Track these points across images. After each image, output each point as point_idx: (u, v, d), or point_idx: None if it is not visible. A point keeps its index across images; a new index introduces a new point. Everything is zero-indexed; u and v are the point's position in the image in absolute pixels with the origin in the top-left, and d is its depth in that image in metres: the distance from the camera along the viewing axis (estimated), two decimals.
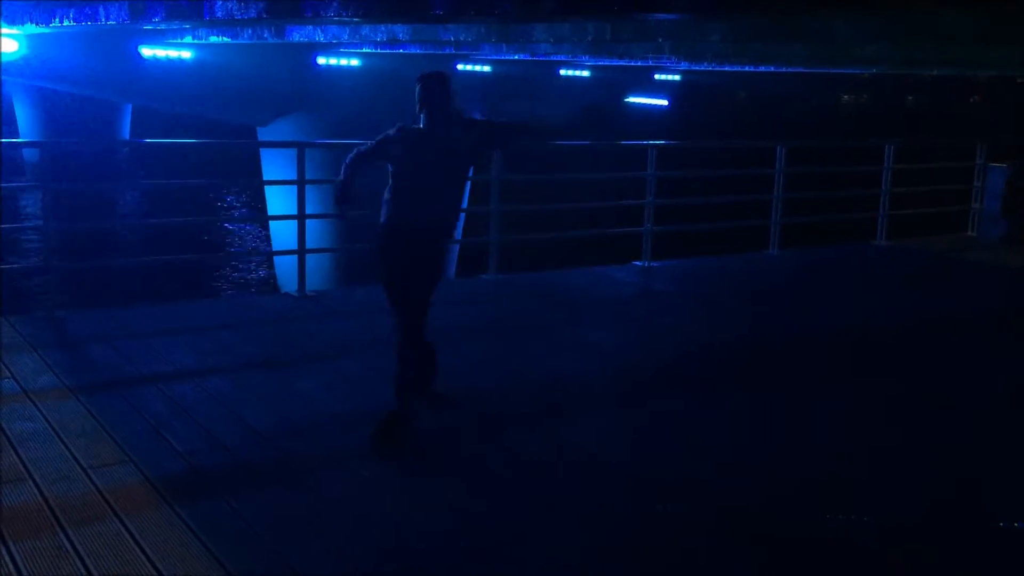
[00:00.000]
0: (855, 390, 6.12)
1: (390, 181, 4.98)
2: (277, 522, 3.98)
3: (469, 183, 7.94)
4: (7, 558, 3.56)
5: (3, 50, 25.15)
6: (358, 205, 5.24)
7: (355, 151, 5.15)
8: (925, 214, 11.77)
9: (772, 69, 23.77)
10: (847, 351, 7.04)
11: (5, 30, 23.41)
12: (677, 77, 34.47)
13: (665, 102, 43.32)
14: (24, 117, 42.37)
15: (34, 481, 4.21)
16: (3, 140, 11.14)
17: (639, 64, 25.17)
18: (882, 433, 5.37)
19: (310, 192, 8.12)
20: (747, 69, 25.43)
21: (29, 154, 37.17)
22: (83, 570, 3.51)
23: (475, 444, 5.00)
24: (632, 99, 40.71)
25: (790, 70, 24.00)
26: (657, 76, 33.58)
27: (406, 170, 4.91)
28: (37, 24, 16.45)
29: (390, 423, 4.83)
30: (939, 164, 11.84)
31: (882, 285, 9.56)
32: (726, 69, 26.98)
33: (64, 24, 15.10)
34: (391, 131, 4.96)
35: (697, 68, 27.18)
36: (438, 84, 4.88)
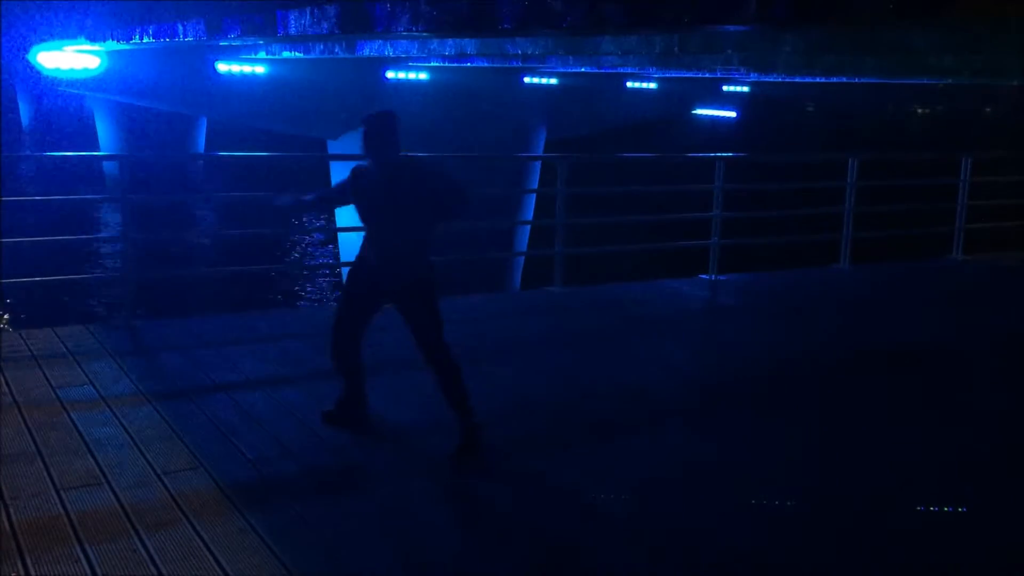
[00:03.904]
0: (924, 409, 5.96)
1: (358, 212, 5.08)
2: (344, 530, 4.02)
3: (532, 196, 7.88)
4: (83, 561, 3.66)
5: (85, 66, 26.04)
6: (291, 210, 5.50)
7: (321, 193, 5.58)
8: (1004, 228, 11.42)
9: (843, 80, 23.33)
10: (916, 370, 6.84)
11: (87, 47, 24.23)
12: (746, 88, 34.05)
13: (733, 114, 42.86)
14: (104, 131, 43.67)
15: (110, 485, 4.33)
16: (85, 154, 11.49)
17: (707, 76, 24.95)
18: (958, 452, 5.22)
19: None
20: (818, 80, 25.01)
21: (109, 167, 38.39)
22: (155, 573, 3.59)
23: (543, 457, 4.98)
24: (700, 111, 40.36)
25: (862, 80, 23.53)
26: (725, 88, 33.22)
27: (363, 210, 5.01)
28: (118, 41, 17.00)
29: (467, 438, 4.85)
30: (1018, 177, 11.48)
31: (956, 301, 9.28)
32: (796, 80, 26.58)
33: (144, 41, 15.58)
34: (347, 175, 5.07)
35: (766, 79, 26.84)
36: (379, 125, 4.85)
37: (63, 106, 52.82)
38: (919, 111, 72.05)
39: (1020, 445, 5.39)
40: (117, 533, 3.89)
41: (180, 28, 14.09)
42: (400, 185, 4.84)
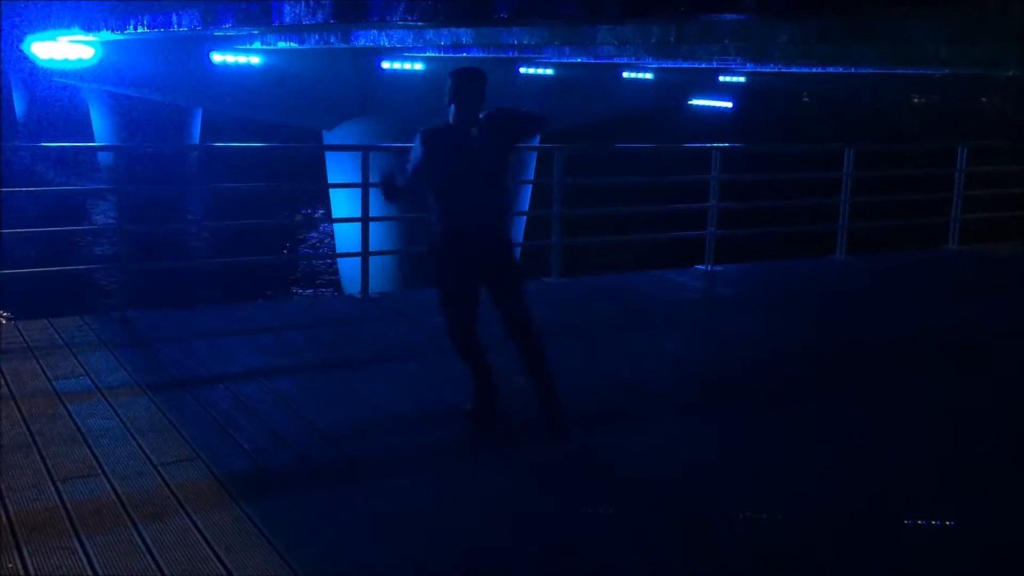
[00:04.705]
0: (918, 398, 5.97)
1: (429, 186, 4.95)
2: (341, 520, 4.03)
3: (528, 186, 7.95)
4: (80, 552, 3.66)
5: (79, 57, 25.94)
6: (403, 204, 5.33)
7: (412, 165, 5.00)
8: (999, 219, 11.43)
9: (840, 70, 23.31)
10: (910, 359, 6.85)
11: (82, 37, 24.13)
12: (742, 79, 33.97)
13: (729, 104, 42.78)
14: (99, 122, 43.56)
15: (106, 476, 4.32)
16: (79, 144, 11.46)
17: (703, 66, 24.90)
18: (945, 443, 5.23)
19: (374, 195, 8.19)
20: (814, 71, 24.98)
21: (104, 157, 38.29)
22: (152, 564, 3.59)
23: (541, 447, 4.98)
24: (696, 101, 40.28)
25: (859, 71, 23.52)
26: (721, 78, 33.14)
27: (439, 173, 4.89)
28: (112, 31, 16.94)
29: (556, 408, 4.95)
30: (1015, 167, 11.48)
31: (951, 291, 9.29)
32: (792, 71, 26.54)
33: (138, 31, 15.53)
34: (415, 144, 4.93)
35: (763, 70, 26.80)
36: (470, 82, 4.83)
37: (57, 97, 52.64)
38: (916, 101, 71.98)
39: (1013, 437, 5.40)
40: (114, 524, 3.89)
41: (175, 18, 14.05)
42: (482, 143, 4.81)
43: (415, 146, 4.95)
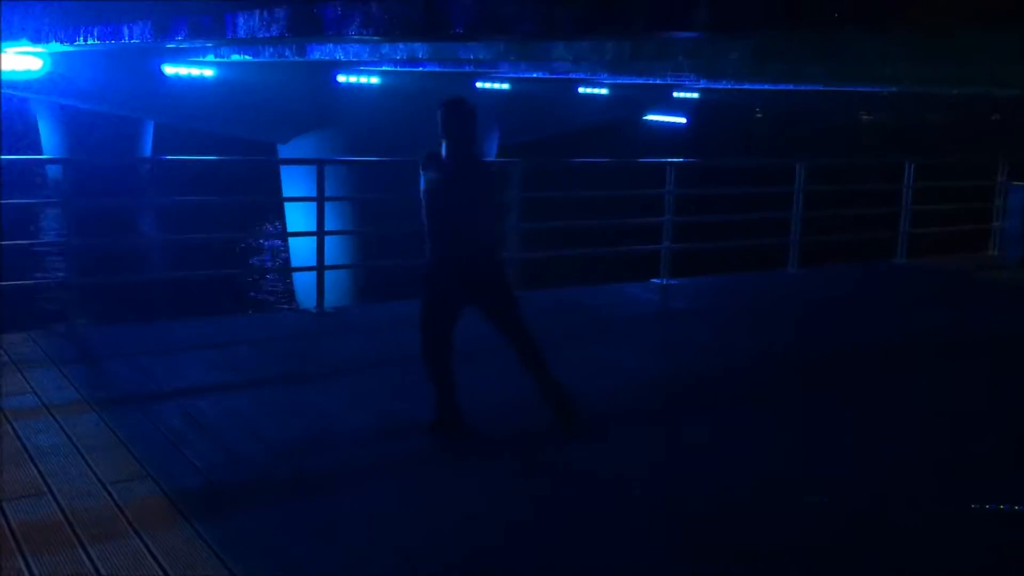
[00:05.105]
0: (871, 407, 6.07)
1: (424, 209, 5.06)
2: (295, 537, 3.98)
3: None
4: (26, 573, 3.57)
5: (27, 68, 25.47)
6: None
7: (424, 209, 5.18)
8: (945, 233, 11.68)
9: (791, 87, 23.72)
10: (863, 369, 6.98)
11: (30, 48, 23.71)
12: (696, 95, 34.40)
13: (684, 120, 43.29)
14: (47, 134, 42.78)
15: (53, 496, 4.23)
16: (27, 157, 11.25)
17: (658, 82, 25.18)
18: (893, 447, 5.32)
19: (329, 209, 8.16)
20: (766, 87, 25.40)
21: (52, 171, 37.60)
22: None
23: (491, 460, 4.98)
24: (651, 117, 40.70)
25: (810, 88, 23.95)
26: (676, 94, 33.53)
27: (437, 197, 5.01)
28: (61, 42, 16.65)
29: (564, 406, 5.20)
30: (960, 183, 11.75)
31: (900, 304, 9.48)
32: (745, 87, 26.96)
33: (88, 42, 15.27)
34: (422, 166, 5.06)
35: (716, 86, 27.17)
36: (461, 113, 4.96)
37: (4, 109, 51.60)
38: (865, 117, 73.40)
39: (967, 439, 5.52)
40: (61, 544, 3.80)
41: (126, 30, 13.84)
42: (472, 173, 5.00)
43: (422, 170, 5.09)
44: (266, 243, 31.40)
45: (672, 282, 9.53)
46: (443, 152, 5.01)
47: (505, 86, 25.72)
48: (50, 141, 42.36)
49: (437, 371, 5.14)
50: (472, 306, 5.14)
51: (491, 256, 5.14)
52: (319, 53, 15.98)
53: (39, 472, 4.46)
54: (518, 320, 5.19)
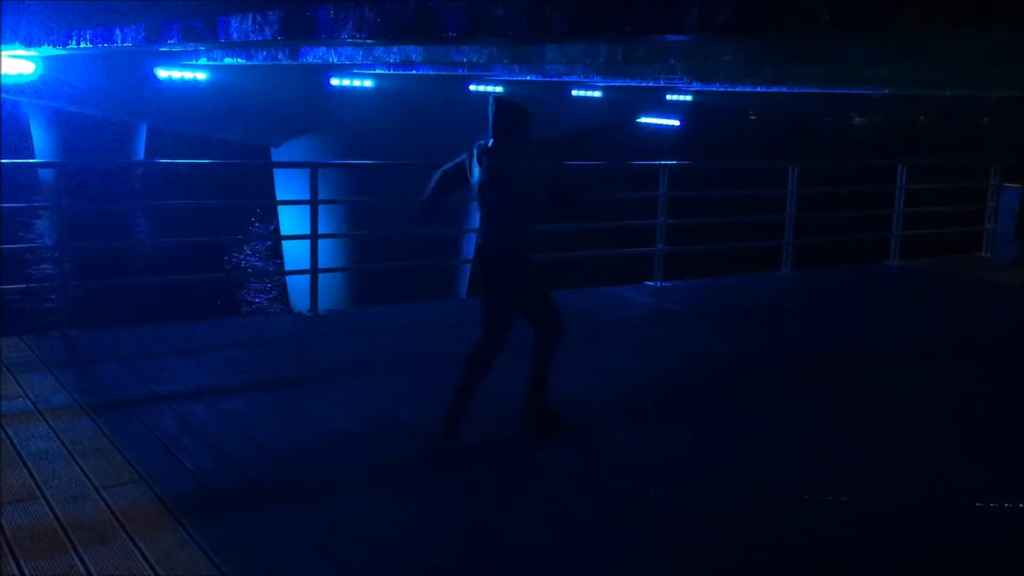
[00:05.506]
0: (864, 408, 6.09)
1: (478, 202, 5.18)
2: (288, 542, 3.98)
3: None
4: None
5: (20, 72, 25.43)
6: (438, 223, 5.45)
7: (440, 169, 5.36)
8: (938, 235, 11.73)
9: (784, 90, 23.79)
10: (856, 370, 7.00)
11: (22, 52, 23.67)
12: (689, 97, 34.46)
13: (677, 122, 43.35)
14: (40, 138, 42.69)
15: (46, 500, 4.22)
16: (20, 161, 11.23)
17: (651, 84, 25.22)
18: (883, 449, 5.34)
19: (323, 212, 8.16)
20: (759, 89, 25.47)
21: (45, 174, 37.53)
22: None
23: (490, 464, 4.98)
24: (644, 119, 40.75)
25: (802, 90, 24.02)
26: (669, 96, 33.59)
27: (480, 189, 5.11)
28: (54, 46, 16.61)
29: (541, 409, 5.21)
30: (953, 184, 11.80)
31: (893, 305, 9.51)
32: (738, 90, 27.02)
33: (81, 46, 15.24)
34: (472, 158, 5.17)
35: (709, 88, 27.22)
36: (508, 112, 5.08)
37: None
38: (856, 120, 73.62)
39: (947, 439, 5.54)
40: (54, 549, 3.80)
41: (118, 33, 13.82)
42: (512, 169, 5.06)
43: (462, 158, 5.18)
44: (259, 246, 31.37)
45: (666, 284, 9.55)
46: (489, 143, 5.13)
47: (499, 89, 25.74)
48: (43, 144, 42.28)
49: (476, 377, 5.10)
50: (514, 303, 5.15)
51: (519, 254, 5.13)
52: (312, 56, 15.98)
53: (32, 476, 4.46)
54: (543, 317, 5.18)
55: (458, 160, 5.30)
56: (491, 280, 5.11)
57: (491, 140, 5.12)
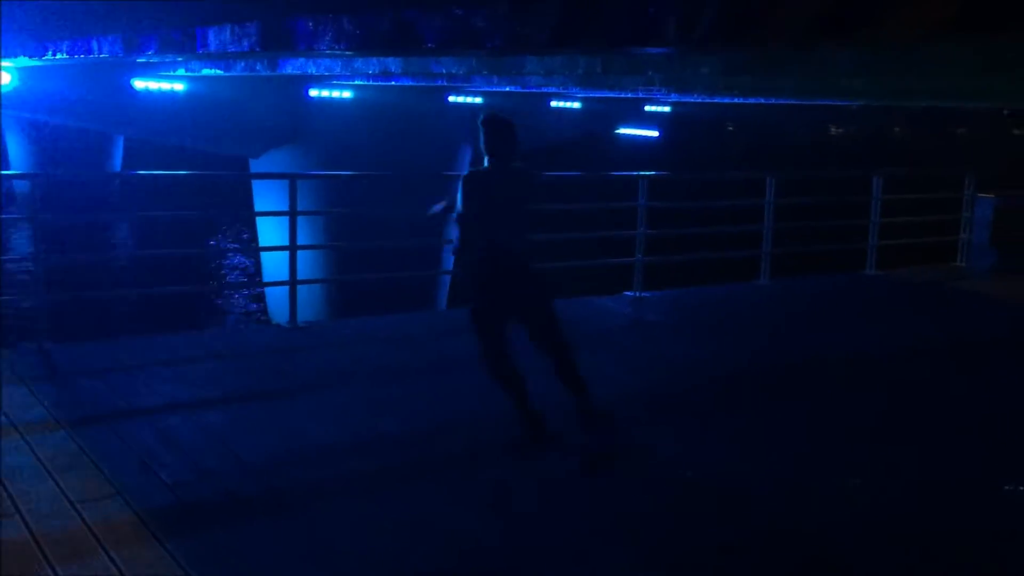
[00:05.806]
0: (847, 412, 6.14)
1: (462, 220, 5.18)
2: (268, 555, 3.95)
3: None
4: None
5: None
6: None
7: (431, 212, 5.52)
8: (914, 244, 11.83)
9: (762, 101, 23.97)
10: (834, 379, 7.05)
11: None
12: (667, 109, 34.66)
13: (656, 133, 43.55)
14: (15, 148, 42.35)
15: (22, 516, 4.17)
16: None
17: (630, 96, 25.34)
18: (860, 454, 5.37)
19: (302, 223, 8.13)
20: (737, 101, 25.65)
21: (20, 186, 37.20)
22: None
23: (467, 474, 4.97)
24: (623, 130, 40.90)
25: (779, 102, 24.20)
26: (648, 108, 33.76)
27: (477, 209, 5.14)
28: (30, 57, 16.49)
29: (592, 414, 5.21)
30: (928, 195, 11.90)
31: (870, 314, 9.58)
32: (716, 101, 27.20)
33: (57, 57, 15.15)
34: (464, 183, 5.19)
35: (687, 100, 27.39)
36: (499, 129, 5.20)
37: None
38: (833, 131, 74.27)
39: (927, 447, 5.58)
40: (29, 566, 3.75)
41: (95, 44, 13.74)
42: (513, 182, 5.22)
43: (463, 186, 5.21)
44: (238, 258, 31.21)
45: (645, 294, 9.57)
46: (486, 166, 5.23)
47: (478, 100, 25.79)
48: (18, 155, 41.93)
49: (502, 377, 5.19)
50: (512, 314, 5.21)
51: (522, 263, 5.24)
52: (291, 67, 15.95)
53: (7, 493, 4.40)
54: (555, 316, 5.29)
55: (446, 203, 5.38)
56: (488, 285, 5.16)
57: (487, 160, 5.21)
